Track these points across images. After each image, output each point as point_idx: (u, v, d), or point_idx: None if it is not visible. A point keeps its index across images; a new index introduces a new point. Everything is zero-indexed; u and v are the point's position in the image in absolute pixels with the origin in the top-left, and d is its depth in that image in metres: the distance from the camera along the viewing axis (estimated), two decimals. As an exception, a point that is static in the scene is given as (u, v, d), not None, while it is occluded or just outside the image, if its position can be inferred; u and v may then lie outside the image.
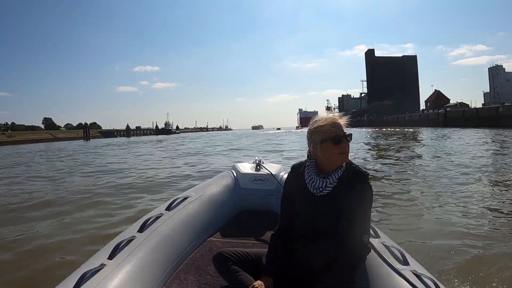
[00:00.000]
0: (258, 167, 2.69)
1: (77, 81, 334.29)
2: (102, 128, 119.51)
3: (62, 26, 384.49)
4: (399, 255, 1.47)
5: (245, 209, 2.59)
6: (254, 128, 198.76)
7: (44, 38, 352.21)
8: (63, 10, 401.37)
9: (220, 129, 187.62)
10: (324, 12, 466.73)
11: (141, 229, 1.74)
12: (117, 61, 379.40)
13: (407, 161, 10.27)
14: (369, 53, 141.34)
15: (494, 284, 2.45)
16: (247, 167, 2.74)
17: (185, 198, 2.17)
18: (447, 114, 55.51)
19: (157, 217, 1.89)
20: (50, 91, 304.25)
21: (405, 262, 1.42)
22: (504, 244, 3.15)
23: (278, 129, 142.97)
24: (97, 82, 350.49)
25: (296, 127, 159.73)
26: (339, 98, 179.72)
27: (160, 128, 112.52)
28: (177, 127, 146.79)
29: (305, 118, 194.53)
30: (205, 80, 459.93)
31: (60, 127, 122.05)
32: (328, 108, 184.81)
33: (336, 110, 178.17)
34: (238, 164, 2.80)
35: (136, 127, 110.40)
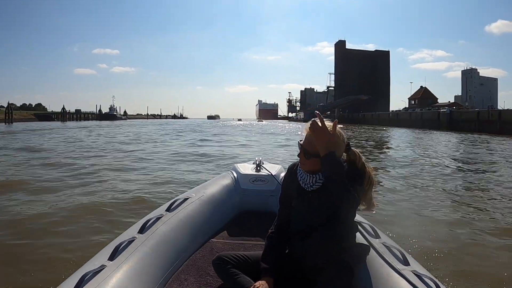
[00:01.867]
0: (258, 168, 2.67)
1: (35, 60, 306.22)
2: (48, 110, 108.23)
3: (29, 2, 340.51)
4: (400, 255, 1.48)
5: (246, 209, 2.57)
6: (209, 117, 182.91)
7: (8, 14, 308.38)
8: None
9: (174, 117, 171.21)
10: (288, 7, 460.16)
11: (141, 230, 1.72)
12: (76, 41, 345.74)
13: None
14: (340, 45, 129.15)
15: (494, 283, 2.45)
16: (247, 168, 2.71)
17: (185, 199, 2.15)
18: (452, 115, 47.91)
19: (158, 218, 1.86)
20: (4, 69, 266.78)
21: (406, 262, 1.43)
22: (504, 244, 3.25)
23: (239, 120, 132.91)
24: (55, 62, 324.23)
25: (257, 119, 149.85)
26: (301, 91, 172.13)
27: (104, 112, 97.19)
28: (125, 112, 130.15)
29: (264, 110, 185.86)
30: (166, 67, 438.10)
31: (3, 106, 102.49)
32: (289, 101, 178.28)
33: (298, 104, 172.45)
34: (238, 165, 2.78)
35: (76, 110, 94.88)
